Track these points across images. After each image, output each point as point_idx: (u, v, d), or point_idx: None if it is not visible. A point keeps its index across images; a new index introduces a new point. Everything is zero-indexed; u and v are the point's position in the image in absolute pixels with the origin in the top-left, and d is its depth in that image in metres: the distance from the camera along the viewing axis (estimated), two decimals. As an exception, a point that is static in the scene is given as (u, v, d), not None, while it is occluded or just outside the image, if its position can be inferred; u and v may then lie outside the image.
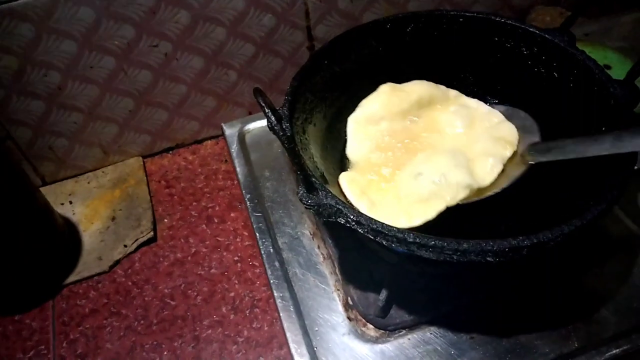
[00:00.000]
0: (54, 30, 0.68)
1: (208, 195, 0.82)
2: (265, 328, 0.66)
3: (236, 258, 0.74)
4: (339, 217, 0.47)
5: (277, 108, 0.54)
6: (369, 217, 0.45)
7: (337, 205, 0.46)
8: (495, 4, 0.94)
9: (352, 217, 0.46)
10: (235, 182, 0.78)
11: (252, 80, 0.86)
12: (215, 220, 0.78)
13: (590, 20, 0.95)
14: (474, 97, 0.70)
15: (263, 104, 0.43)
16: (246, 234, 0.76)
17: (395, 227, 0.44)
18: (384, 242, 0.45)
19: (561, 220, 0.45)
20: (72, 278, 0.72)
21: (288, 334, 0.58)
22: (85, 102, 0.77)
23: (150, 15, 0.72)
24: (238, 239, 0.76)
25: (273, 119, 0.43)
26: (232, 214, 0.79)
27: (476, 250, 0.43)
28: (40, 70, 0.71)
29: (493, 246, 0.43)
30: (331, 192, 0.47)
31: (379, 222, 0.45)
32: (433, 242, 0.43)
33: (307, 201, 0.46)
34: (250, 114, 0.88)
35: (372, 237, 0.46)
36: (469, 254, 0.43)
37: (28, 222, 0.68)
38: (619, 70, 0.58)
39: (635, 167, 0.69)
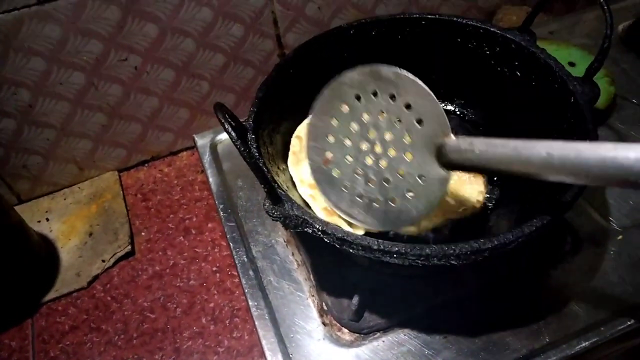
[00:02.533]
0: (20, 47, 0.68)
1: (185, 206, 0.82)
2: (246, 337, 0.67)
3: (215, 268, 0.74)
4: (306, 227, 0.47)
5: (243, 120, 0.55)
6: (334, 227, 0.46)
7: (303, 216, 0.47)
8: (462, 5, 0.95)
9: (317, 226, 0.46)
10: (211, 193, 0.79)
11: (225, 90, 0.86)
12: (193, 232, 0.79)
13: (554, 18, 0.96)
14: (440, 98, 0.71)
15: (223, 120, 0.43)
16: (224, 244, 0.76)
17: (360, 235, 0.45)
18: (350, 250, 0.46)
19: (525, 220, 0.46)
20: (50, 295, 0.72)
21: (263, 342, 0.58)
22: (57, 118, 0.77)
23: (118, 30, 0.72)
24: (216, 250, 0.76)
25: (233, 134, 0.43)
26: (209, 225, 0.79)
27: (439, 254, 0.44)
28: (10, 89, 0.71)
29: (455, 250, 0.44)
30: (297, 203, 0.47)
31: (344, 230, 0.46)
32: (397, 249, 0.44)
33: (274, 213, 0.47)
34: (224, 123, 0.89)
35: (338, 246, 0.46)
36: (432, 259, 0.44)
37: (3, 242, 0.67)
38: (582, 66, 0.59)
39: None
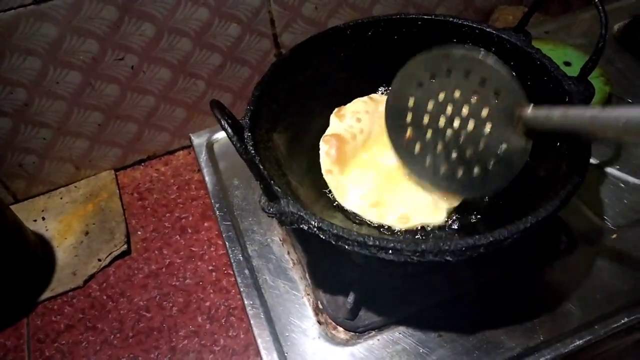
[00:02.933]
0: (16, 47, 0.68)
1: (181, 205, 0.82)
2: (242, 336, 0.67)
3: (211, 267, 0.74)
4: (301, 223, 0.47)
5: (240, 118, 0.55)
6: (330, 223, 0.46)
7: (299, 213, 0.47)
8: (459, 5, 0.96)
9: (313, 223, 0.46)
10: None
11: (221, 90, 0.86)
12: (189, 231, 0.79)
13: (550, 18, 0.97)
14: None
15: (219, 117, 0.44)
16: (220, 243, 0.76)
17: (355, 232, 0.45)
18: (345, 247, 0.46)
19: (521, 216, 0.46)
20: (46, 295, 0.72)
21: (259, 341, 0.58)
22: (53, 117, 0.77)
23: (115, 29, 0.72)
24: (212, 248, 0.76)
25: (230, 131, 0.43)
26: (205, 224, 0.79)
27: (434, 250, 0.44)
28: (6, 88, 0.71)
29: (450, 246, 0.44)
30: (293, 200, 0.48)
31: (340, 227, 0.46)
32: (392, 245, 0.44)
33: (269, 209, 0.47)
34: (221, 122, 0.89)
35: (334, 242, 0.46)
36: (427, 254, 0.44)
37: (-1, 241, 0.68)
38: (578, 66, 0.60)
39: (592, 162, 0.72)
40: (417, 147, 0.59)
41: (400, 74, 0.58)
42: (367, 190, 0.63)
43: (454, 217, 0.61)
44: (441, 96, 0.56)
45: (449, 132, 0.56)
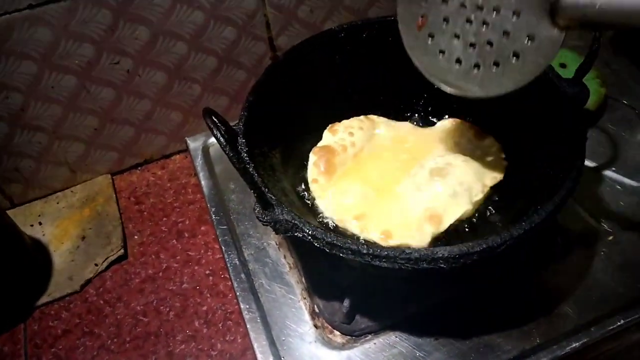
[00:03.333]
0: (11, 51, 0.68)
1: (178, 209, 0.82)
2: (239, 340, 0.67)
3: (208, 272, 0.74)
4: (296, 231, 0.48)
5: (234, 124, 0.55)
6: (324, 231, 0.46)
7: (293, 221, 0.47)
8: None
9: (307, 231, 0.47)
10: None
11: (217, 93, 0.86)
12: (186, 235, 0.79)
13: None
14: (431, 98, 0.73)
15: (212, 126, 0.44)
16: (217, 247, 0.76)
17: (349, 240, 0.45)
18: (340, 255, 0.46)
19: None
20: (43, 299, 0.72)
21: (255, 345, 0.58)
22: (49, 122, 0.77)
23: (110, 33, 0.72)
24: (209, 253, 0.76)
25: (222, 140, 0.43)
26: (202, 228, 0.79)
27: (428, 258, 0.44)
28: (1, 92, 0.71)
29: (444, 253, 0.44)
30: (287, 208, 0.48)
31: (334, 235, 0.46)
32: (386, 253, 0.44)
33: (264, 218, 0.47)
34: (217, 126, 0.89)
35: (328, 250, 0.46)
36: (421, 262, 0.44)
37: (-5, 246, 0.68)
38: (574, 68, 0.60)
39: (588, 165, 0.72)
40: (431, 37, 0.52)
41: None
42: (352, 201, 0.63)
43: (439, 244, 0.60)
44: None
45: (470, 19, 0.50)
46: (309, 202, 0.65)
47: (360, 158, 0.68)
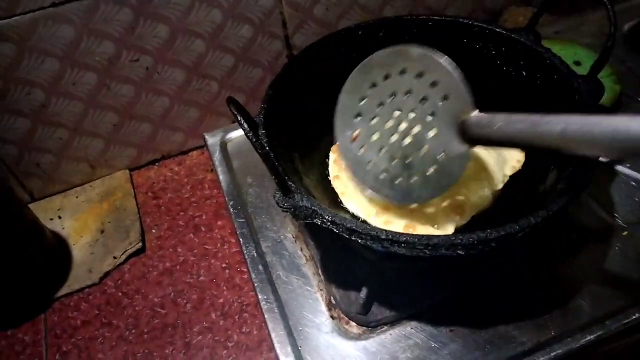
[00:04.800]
0: (35, 49, 0.70)
1: (195, 204, 0.84)
2: (255, 332, 0.67)
3: (224, 265, 0.75)
4: (315, 218, 0.48)
5: (254, 116, 0.56)
6: (343, 217, 0.47)
7: (313, 207, 0.48)
8: (469, 6, 0.96)
9: (327, 217, 0.47)
10: (221, 190, 0.80)
11: (234, 90, 0.87)
12: (203, 229, 0.80)
13: (560, 18, 0.97)
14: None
15: (236, 112, 0.45)
16: (233, 240, 0.77)
17: (369, 226, 0.46)
18: (359, 241, 0.47)
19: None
20: (63, 291, 0.74)
21: (273, 335, 0.59)
22: (69, 118, 0.79)
23: (130, 31, 0.74)
24: (225, 246, 0.77)
25: (246, 126, 0.44)
26: (219, 222, 0.80)
27: (446, 244, 0.45)
28: (24, 89, 0.73)
29: (462, 240, 0.45)
30: (307, 195, 0.48)
31: (353, 221, 0.47)
32: (405, 238, 0.45)
33: (284, 204, 0.48)
34: (233, 122, 0.90)
35: (347, 236, 0.47)
36: (439, 248, 0.45)
37: (17, 238, 0.69)
38: (588, 65, 0.60)
39: (605, 160, 0.72)
40: (362, 149, 0.58)
41: (355, 71, 0.57)
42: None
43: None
44: (391, 98, 0.55)
45: (394, 135, 0.55)
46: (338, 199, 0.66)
47: None
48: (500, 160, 0.64)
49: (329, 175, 0.68)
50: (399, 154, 0.55)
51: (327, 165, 0.68)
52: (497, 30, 0.66)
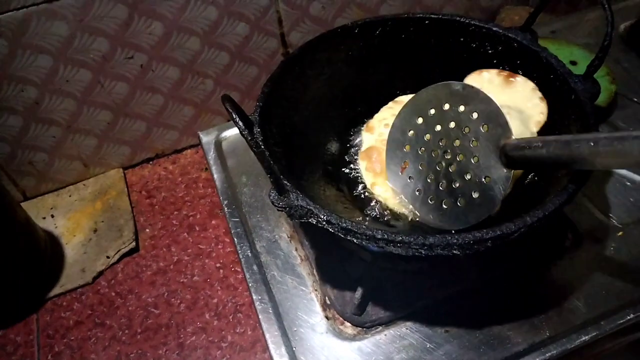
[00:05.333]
0: (28, 45, 0.69)
1: (189, 203, 0.83)
2: (249, 332, 0.67)
3: (218, 265, 0.75)
4: (310, 217, 0.48)
5: (249, 114, 0.55)
6: (339, 217, 0.47)
7: (308, 207, 0.48)
8: (465, 5, 0.96)
9: (322, 217, 0.47)
10: (216, 189, 0.79)
11: (229, 89, 0.87)
12: (197, 228, 0.79)
13: (556, 18, 0.97)
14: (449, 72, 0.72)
15: (231, 110, 0.44)
16: (228, 240, 0.77)
17: (364, 225, 0.46)
18: (354, 240, 0.47)
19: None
20: (55, 291, 0.73)
21: (267, 335, 0.59)
22: (63, 115, 0.78)
23: (124, 28, 0.73)
24: (220, 246, 0.77)
25: (241, 124, 0.44)
26: (213, 222, 0.80)
27: (442, 244, 0.44)
28: (17, 86, 0.72)
29: (458, 239, 0.44)
30: (302, 194, 0.48)
31: (348, 220, 0.46)
32: (400, 238, 0.45)
33: (279, 203, 0.48)
34: (228, 121, 0.90)
35: (343, 236, 0.47)
36: (435, 248, 0.45)
37: (9, 237, 0.68)
38: (584, 65, 0.60)
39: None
40: (411, 178, 0.61)
41: (406, 107, 0.61)
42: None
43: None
44: (437, 129, 0.58)
45: (441, 164, 0.58)
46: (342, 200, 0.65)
47: None
48: (524, 119, 0.62)
49: (333, 178, 0.67)
50: (446, 180, 0.58)
51: (326, 165, 0.67)
52: (494, 29, 0.65)
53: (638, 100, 0.81)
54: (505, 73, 0.67)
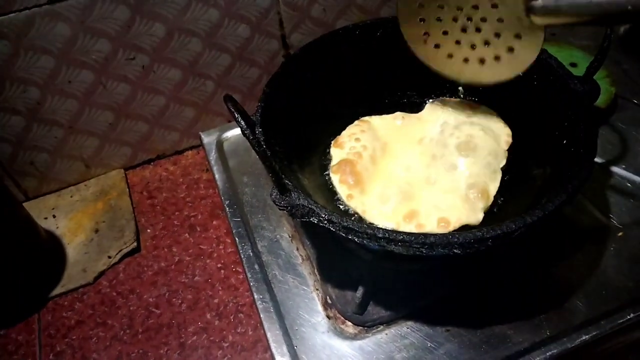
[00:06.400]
0: (30, 46, 0.70)
1: (190, 204, 0.83)
2: (250, 332, 0.67)
3: (219, 265, 0.75)
4: (312, 216, 0.48)
5: (251, 115, 0.56)
6: (340, 216, 0.47)
7: (310, 206, 0.48)
8: (465, 7, 0.97)
9: (324, 216, 0.47)
10: (217, 190, 0.80)
11: (230, 90, 0.87)
12: (198, 229, 0.80)
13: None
14: (444, 94, 0.74)
15: (233, 110, 0.45)
16: (229, 241, 0.77)
17: (365, 224, 0.46)
18: (355, 239, 0.47)
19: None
20: (57, 291, 0.73)
21: (269, 334, 0.59)
22: (65, 116, 0.78)
23: (126, 29, 0.74)
24: (221, 246, 0.77)
25: (243, 123, 0.44)
26: (214, 222, 0.80)
27: (443, 243, 0.45)
28: (19, 86, 0.72)
29: (459, 238, 0.45)
30: (303, 193, 0.48)
31: (350, 220, 0.47)
32: (401, 237, 0.45)
33: (280, 203, 0.48)
34: (229, 122, 0.90)
35: (344, 235, 0.47)
36: (436, 247, 0.45)
37: (11, 237, 0.68)
38: (584, 67, 0.61)
39: (598, 161, 0.73)
40: (437, 45, 0.63)
41: None
42: (395, 203, 0.62)
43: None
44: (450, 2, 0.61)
45: (464, 29, 0.61)
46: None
47: (377, 159, 0.67)
48: (495, 136, 0.65)
49: (330, 182, 0.67)
50: (477, 41, 0.60)
51: (325, 165, 0.68)
52: (494, 30, 0.66)
53: (638, 102, 0.81)
54: (468, 102, 0.70)
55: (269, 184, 0.76)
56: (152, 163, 0.91)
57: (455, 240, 0.44)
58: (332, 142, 0.70)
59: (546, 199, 0.49)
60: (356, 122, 0.72)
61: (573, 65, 0.82)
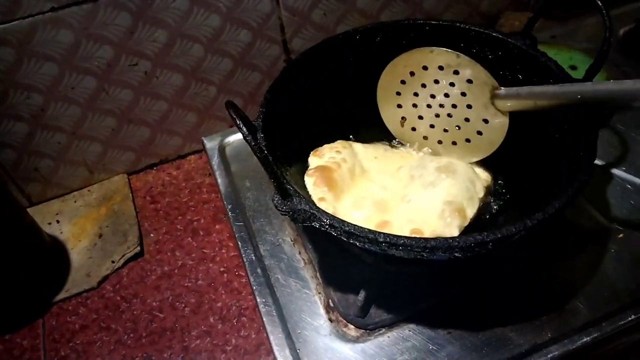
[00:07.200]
0: (34, 53, 0.70)
1: (193, 208, 0.84)
2: (253, 336, 0.67)
3: (222, 269, 0.75)
4: (314, 221, 0.49)
5: (253, 120, 0.56)
6: (342, 220, 0.47)
7: (311, 210, 0.48)
8: (465, 11, 0.97)
9: (325, 221, 0.48)
10: (219, 194, 0.80)
11: (232, 95, 0.88)
12: (201, 233, 0.80)
13: (556, 23, 0.98)
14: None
15: (234, 116, 0.45)
16: (231, 245, 0.77)
17: (367, 229, 0.46)
18: (357, 243, 0.47)
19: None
20: (61, 295, 0.74)
21: (271, 338, 0.59)
22: (68, 122, 0.79)
23: (128, 35, 0.74)
24: (224, 250, 0.77)
25: (245, 129, 0.45)
26: (217, 226, 0.81)
27: (443, 246, 0.45)
28: (23, 93, 0.73)
29: (459, 242, 0.45)
30: (305, 198, 0.49)
31: (351, 224, 0.47)
32: (402, 241, 0.45)
33: (282, 207, 0.49)
34: (231, 127, 0.90)
35: (346, 239, 0.48)
36: (437, 251, 0.45)
37: (16, 242, 0.69)
38: (584, 70, 0.61)
39: (598, 164, 0.73)
40: (414, 129, 0.71)
41: (384, 74, 0.68)
42: (369, 212, 0.62)
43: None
44: (422, 88, 0.67)
45: (440, 113, 0.68)
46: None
47: (355, 172, 0.67)
48: (474, 174, 0.67)
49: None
50: (448, 125, 0.68)
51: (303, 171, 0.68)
52: (494, 34, 0.66)
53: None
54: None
55: (271, 188, 0.75)
56: (155, 168, 0.91)
57: (456, 244, 0.45)
58: (312, 152, 0.69)
59: (546, 202, 0.49)
60: (336, 142, 0.71)
61: (573, 67, 0.82)
